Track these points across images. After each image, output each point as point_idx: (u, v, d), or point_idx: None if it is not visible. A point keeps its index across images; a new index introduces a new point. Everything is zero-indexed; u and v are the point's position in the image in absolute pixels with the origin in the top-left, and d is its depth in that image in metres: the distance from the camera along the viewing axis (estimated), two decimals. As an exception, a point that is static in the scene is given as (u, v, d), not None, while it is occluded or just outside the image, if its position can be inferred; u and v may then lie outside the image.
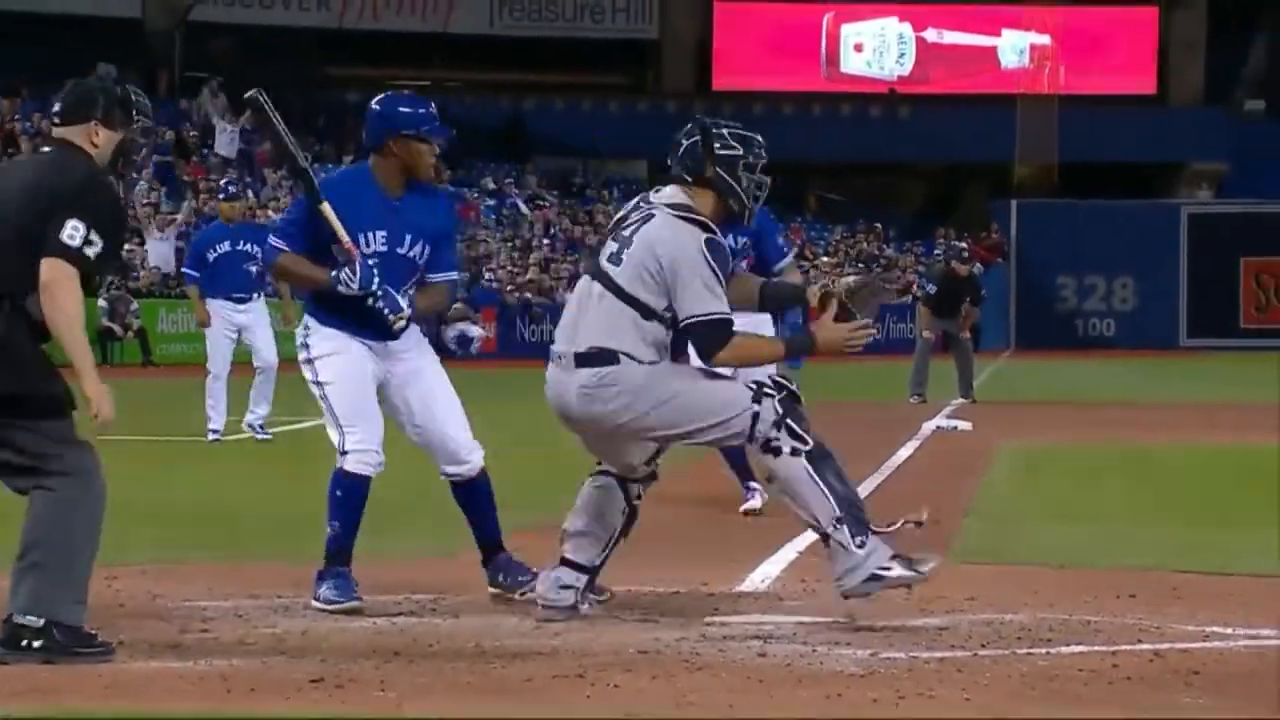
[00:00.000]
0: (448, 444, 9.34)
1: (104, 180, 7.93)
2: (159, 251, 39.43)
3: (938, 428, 21.20)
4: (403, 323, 9.26)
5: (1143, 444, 19.85)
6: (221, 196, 20.59)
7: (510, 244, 45.01)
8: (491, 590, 9.20)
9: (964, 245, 31.84)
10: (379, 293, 9.16)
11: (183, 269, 21.22)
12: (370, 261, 9.14)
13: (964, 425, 21.54)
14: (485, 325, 39.40)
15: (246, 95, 10.26)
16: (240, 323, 19.28)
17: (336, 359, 9.23)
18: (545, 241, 45.17)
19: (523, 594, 9.04)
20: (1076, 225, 47.88)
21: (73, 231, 7.60)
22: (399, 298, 9.20)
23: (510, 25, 49.76)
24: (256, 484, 15.98)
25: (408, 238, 9.31)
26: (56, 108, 8.11)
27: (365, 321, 9.22)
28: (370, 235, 9.21)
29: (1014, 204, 48.13)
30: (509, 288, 42.11)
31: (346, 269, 9.16)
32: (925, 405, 24.92)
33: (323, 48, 49.19)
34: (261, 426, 19.36)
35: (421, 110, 9.46)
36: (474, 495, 9.40)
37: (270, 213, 37.14)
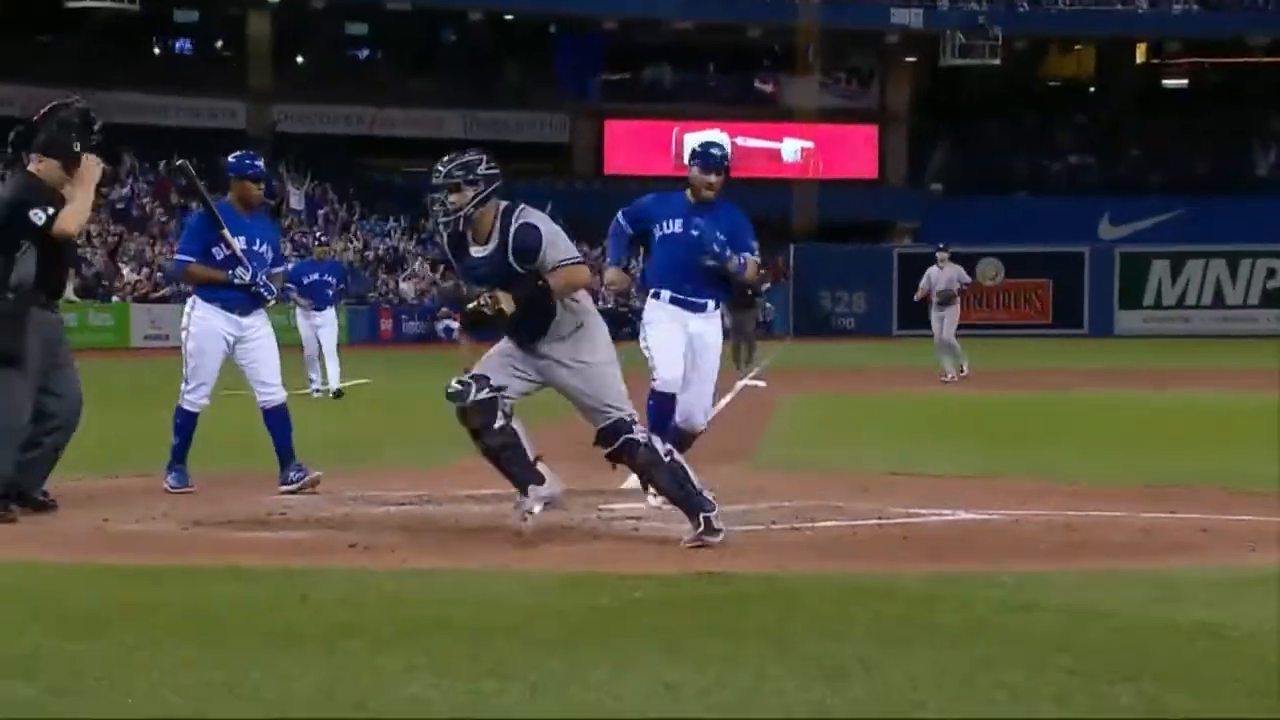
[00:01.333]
0: (258, 384, 9.17)
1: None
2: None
3: (744, 385, 21.17)
4: (270, 300, 9.20)
5: (871, 394, 19.91)
6: (316, 244, 20.46)
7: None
8: (282, 487, 9.01)
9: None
10: (260, 281, 9.09)
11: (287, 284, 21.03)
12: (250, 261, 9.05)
13: (761, 383, 21.49)
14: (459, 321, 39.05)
15: (177, 163, 10.16)
16: (316, 322, 19.06)
17: (202, 330, 9.05)
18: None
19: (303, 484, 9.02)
20: (830, 260, 48.04)
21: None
22: (269, 283, 9.16)
23: (479, 132, 49.57)
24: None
25: (257, 240, 9.17)
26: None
27: (233, 300, 9.02)
28: (239, 241, 9.08)
29: (792, 247, 48.18)
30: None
31: (240, 268, 9.03)
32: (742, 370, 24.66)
33: (353, 147, 48.92)
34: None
35: (248, 160, 9.31)
36: (274, 418, 9.18)
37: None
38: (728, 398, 18.67)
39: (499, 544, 7.17)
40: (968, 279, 22.93)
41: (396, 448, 12.11)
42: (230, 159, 9.36)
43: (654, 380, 8.64)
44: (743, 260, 8.62)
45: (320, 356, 19.05)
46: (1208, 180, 51.85)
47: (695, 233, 8.63)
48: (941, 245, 22.71)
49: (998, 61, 49.53)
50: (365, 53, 52.74)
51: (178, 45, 51.41)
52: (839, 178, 51.59)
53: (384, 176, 48.98)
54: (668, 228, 8.79)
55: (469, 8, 47.57)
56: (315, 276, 19.19)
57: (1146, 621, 5.36)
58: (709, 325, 8.75)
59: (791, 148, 52.81)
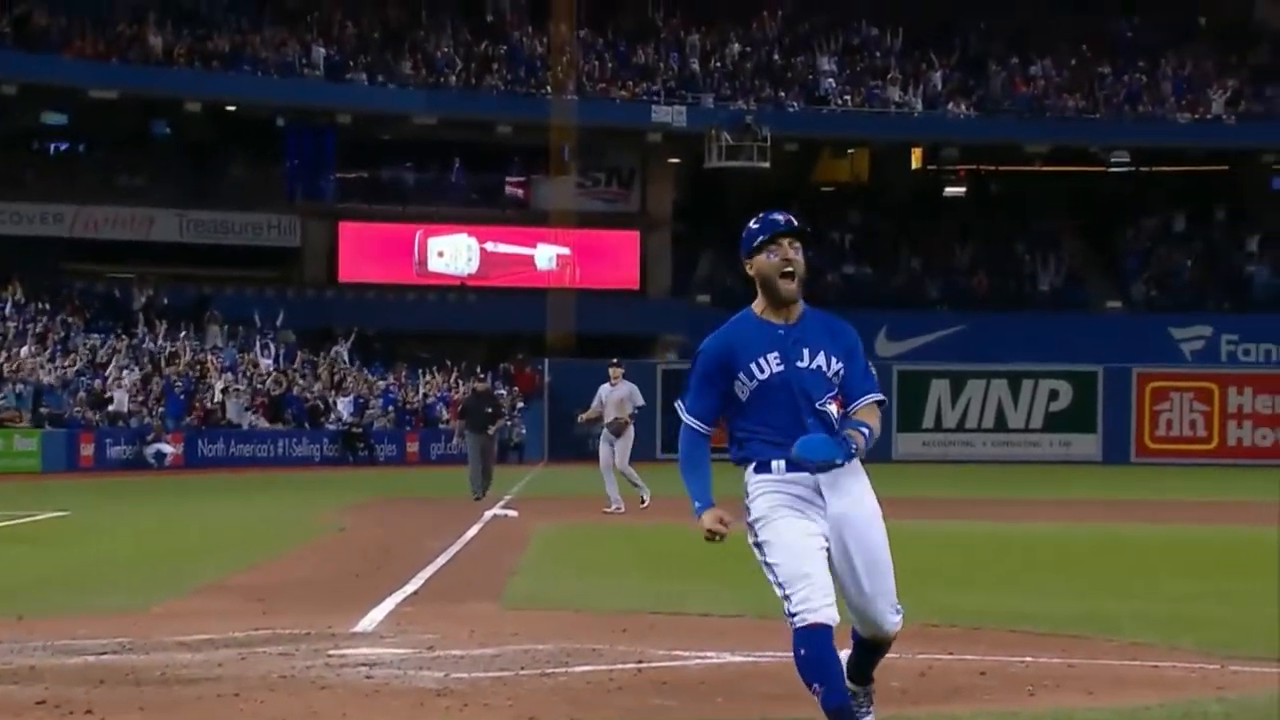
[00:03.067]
0: None
1: None
2: None
3: (494, 515, 21.11)
4: None
5: (632, 524, 20.01)
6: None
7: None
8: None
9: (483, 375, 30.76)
10: None
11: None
12: None
13: (512, 513, 21.44)
14: (175, 445, 38.29)
15: None
16: None
17: None
18: (219, 384, 43.86)
19: None
20: (588, 376, 48.29)
21: None
22: None
23: (196, 235, 48.83)
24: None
25: None
26: None
27: None
28: None
29: (547, 361, 48.43)
30: (189, 418, 40.86)
31: None
32: (487, 498, 24.01)
33: (52, 250, 47.75)
34: None
35: None
36: None
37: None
38: (474, 529, 18.57)
39: (208, 700, 7.01)
40: (641, 401, 22.47)
41: (95, 589, 11.77)
42: None
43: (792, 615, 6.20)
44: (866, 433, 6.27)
45: None
46: (989, 294, 53.87)
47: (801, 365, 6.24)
48: (615, 361, 22.81)
49: (767, 164, 50.85)
50: (65, 145, 51.69)
51: None
52: (598, 287, 52.16)
53: (87, 283, 47.86)
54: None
55: (185, 98, 47.06)
56: None
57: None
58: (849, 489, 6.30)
59: (546, 254, 53.26)
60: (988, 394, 47.27)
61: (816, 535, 6.16)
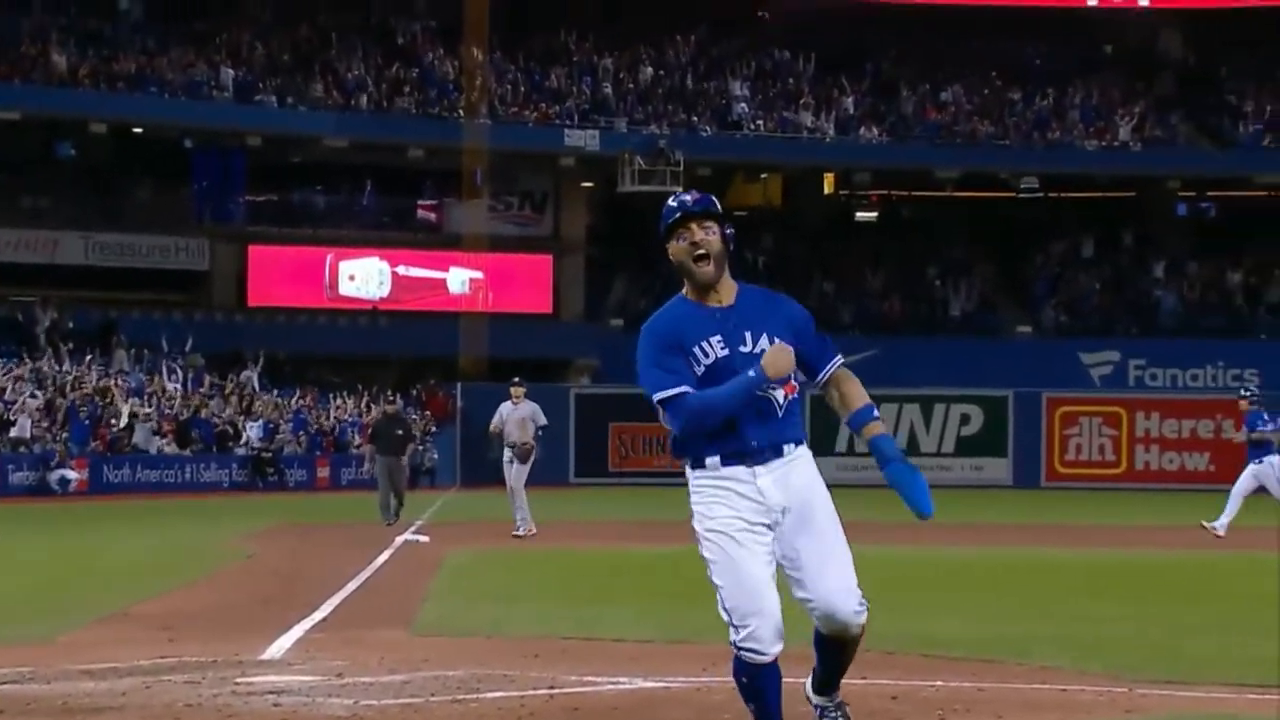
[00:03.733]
0: None
1: None
2: None
3: (405, 540, 21.01)
4: None
5: (546, 549, 19.97)
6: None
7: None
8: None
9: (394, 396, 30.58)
10: None
11: None
12: None
13: (424, 538, 21.34)
14: (80, 470, 37.81)
15: None
16: None
17: None
18: (126, 408, 43.35)
19: None
20: (501, 400, 48.18)
21: None
22: None
23: (102, 258, 48.31)
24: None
25: None
26: None
27: None
28: None
29: (459, 385, 48.28)
30: (94, 444, 40.36)
31: None
32: (399, 523, 23.83)
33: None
34: None
35: None
36: None
37: None
38: (385, 555, 18.46)
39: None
40: (543, 420, 22.32)
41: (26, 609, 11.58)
42: None
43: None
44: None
45: None
46: (901, 319, 54.28)
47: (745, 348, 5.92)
48: (516, 380, 22.76)
49: (680, 188, 51.00)
50: (-35, 167, 51.08)
51: None
52: (511, 311, 52.10)
53: (-5, 310, 47.28)
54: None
55: (90, 119, 46.59)
56: None
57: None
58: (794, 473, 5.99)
59: (459, 278, 53.14)
60: (900, 418, 47.51)
61: (764, 559, 5.82)
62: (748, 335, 5.87)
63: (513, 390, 22.19)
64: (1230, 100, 55.74)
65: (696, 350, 5.85)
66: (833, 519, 5.99)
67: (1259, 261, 54.03)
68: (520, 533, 21.56)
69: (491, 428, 22.38)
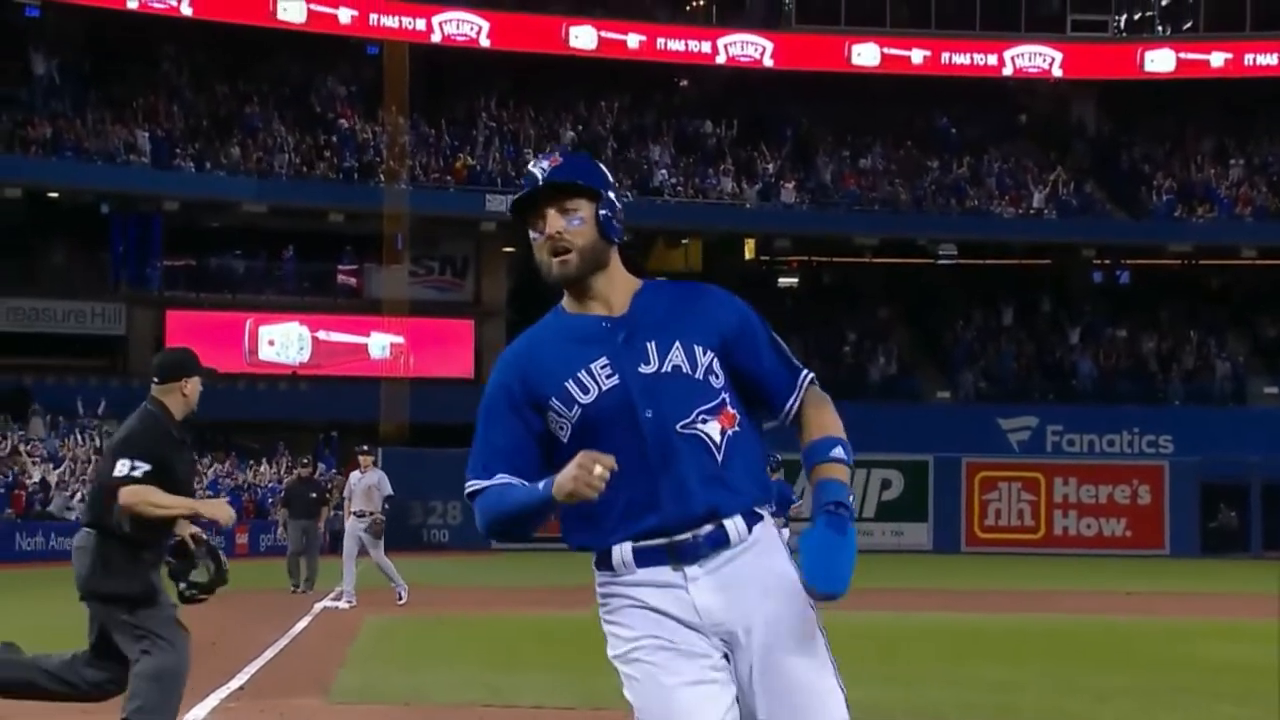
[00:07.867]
0: None
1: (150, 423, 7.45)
2: None
3: (325, 607, 20.86)
4: None
5: (468, 614, 19.92)
6: None
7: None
8: None
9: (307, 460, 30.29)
10: None
11: None
12: None
13: (343, 604, 21.19)
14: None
15: None
16: None
17: None
18: (38, 474, 42.92)
19: None
20: (423, 466, 48.07)
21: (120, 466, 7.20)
22: None
23: (17, 323, 47.91)
24: None
25: None
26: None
27: None
28: None
29: (380, 451, 48.15)
30: (7, 510, 39.86)
31: None
32: (316, 590, 23.62)
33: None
34: None
35: None
36: None
37: None
38: (303, 622, 18.36)
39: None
40: (389, 490, 21.84)
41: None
42: None
43: None
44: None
45: None
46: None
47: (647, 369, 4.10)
48: (364, 448, 22.69)
49: (602, 252, 51.27)
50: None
51: None
52: (432, 376, 52.04)
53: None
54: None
55: (5, 183, 46.28)
56: None
57: None
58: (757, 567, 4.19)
59: (379, 343, 53.06)
60: (821, 483, 47.74)
61: (698, 685, 3.92)
62: (650, 348, 4.03)
63: (361, 459, 22.01)
64: (1143, 169, 56.68)
65: (569, 387, 4.00)
66: (813, 653, 4.04)
67: (1172, 329, 54.83)
68: (342, 604, 21.12)
69: (344, 494, 22.32)
